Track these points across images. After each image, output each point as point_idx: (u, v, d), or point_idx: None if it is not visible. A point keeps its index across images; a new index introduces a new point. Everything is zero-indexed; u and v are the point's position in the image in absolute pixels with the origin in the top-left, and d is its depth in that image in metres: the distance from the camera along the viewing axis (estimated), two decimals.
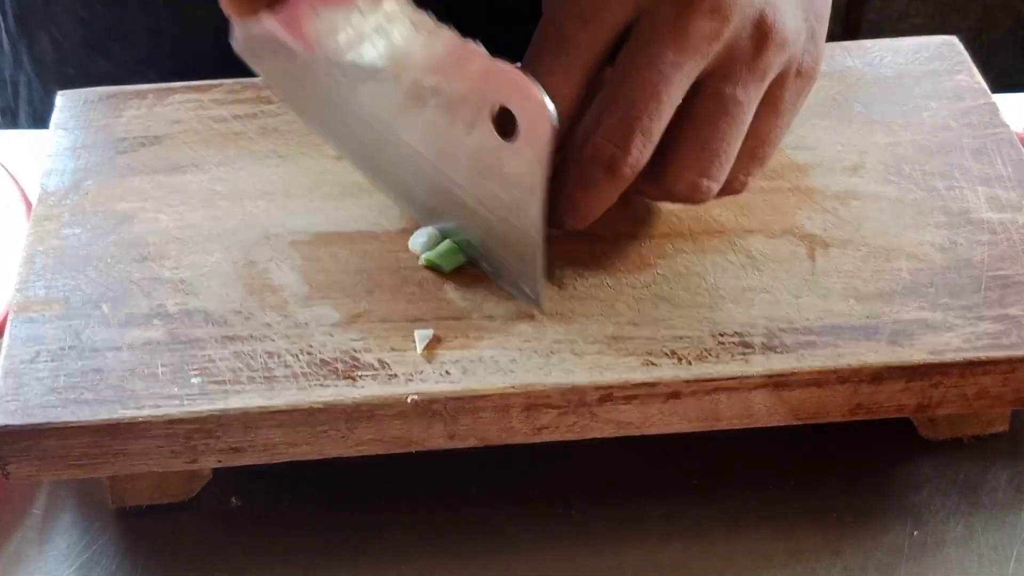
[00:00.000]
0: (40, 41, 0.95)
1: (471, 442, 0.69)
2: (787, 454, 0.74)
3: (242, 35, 0.77)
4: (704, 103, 0.70)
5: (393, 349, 0.70)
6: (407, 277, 0.74)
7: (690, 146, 0.70)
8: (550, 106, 0.65)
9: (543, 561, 0.70)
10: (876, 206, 0.78)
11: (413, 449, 0.69)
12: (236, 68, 0.80)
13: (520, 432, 0.69)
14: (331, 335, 0.71)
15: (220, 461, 0.68)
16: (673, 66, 0.69)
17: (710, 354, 0.70)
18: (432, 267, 0.74)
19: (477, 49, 0.68)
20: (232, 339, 0.71)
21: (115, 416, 0.67)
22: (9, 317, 0.72)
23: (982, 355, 0.70)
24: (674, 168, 0.71)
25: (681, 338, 0.70)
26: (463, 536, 0.71)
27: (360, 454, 0.69)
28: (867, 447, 0.74)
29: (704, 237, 0.76)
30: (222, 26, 0.73)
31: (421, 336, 0.70)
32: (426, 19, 0.69)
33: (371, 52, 0.71)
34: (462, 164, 0.71)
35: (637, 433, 0.70)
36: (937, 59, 0.88)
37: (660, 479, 0.73)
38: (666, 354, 0.70)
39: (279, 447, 0.68)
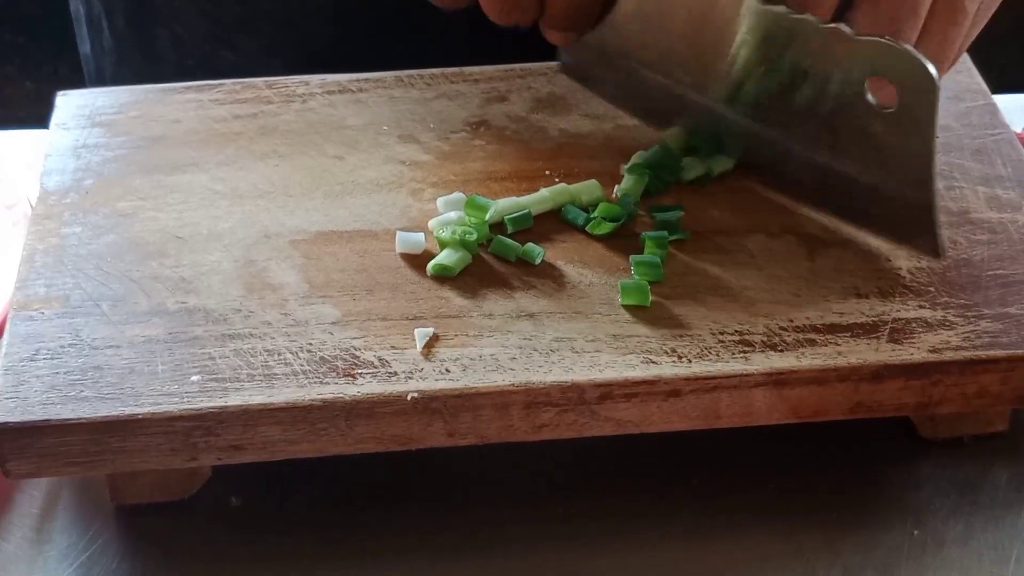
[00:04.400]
0: (159, 37, 0.95)
1: (471, 440, 0.69)
2: (787, 454, 0.74)
3: (573, 56, 0.79)
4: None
5: (393, 347, 0.70)
6: (406, 275, 0.74)
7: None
8: (932, 69, 0.67)
9: (543, 561, 0.70)
10: None
11: (413, 447, 0.69)
12: (360, 56, 0.78)
13: (520, 430, 0.69)
14: (331, 333, 0.71)
15: (220, 459, 0.68)
16: None
17: (710, 352, 0.69)
18: (439, 274, 0.74)
19: (842, 29, 0.69)
20: (232, 337, 0.71)
21: (115, 413, 0.67)
22: (9, 315, 0.72)
23: (982, 354, 0.70)
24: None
25: (681, 336, 0.70)
26: (463, 536, 0.71)
27: (359, 452, 0.69)
28: (867, 447, 0.74)
29: (704, 236, 0.76)
30: (350, 13, 0.71)
31: (421, 334, 0.70)
32: (783, 11, 0.71)
33: (728, 54, 0.74)
34: (844, 141, 0.73)
35: (637, 431, 0.70)
36: None
37: (660, 479, 0.73)
38: (666, 352, 0.70)
39: (279, 445, 0.68)
